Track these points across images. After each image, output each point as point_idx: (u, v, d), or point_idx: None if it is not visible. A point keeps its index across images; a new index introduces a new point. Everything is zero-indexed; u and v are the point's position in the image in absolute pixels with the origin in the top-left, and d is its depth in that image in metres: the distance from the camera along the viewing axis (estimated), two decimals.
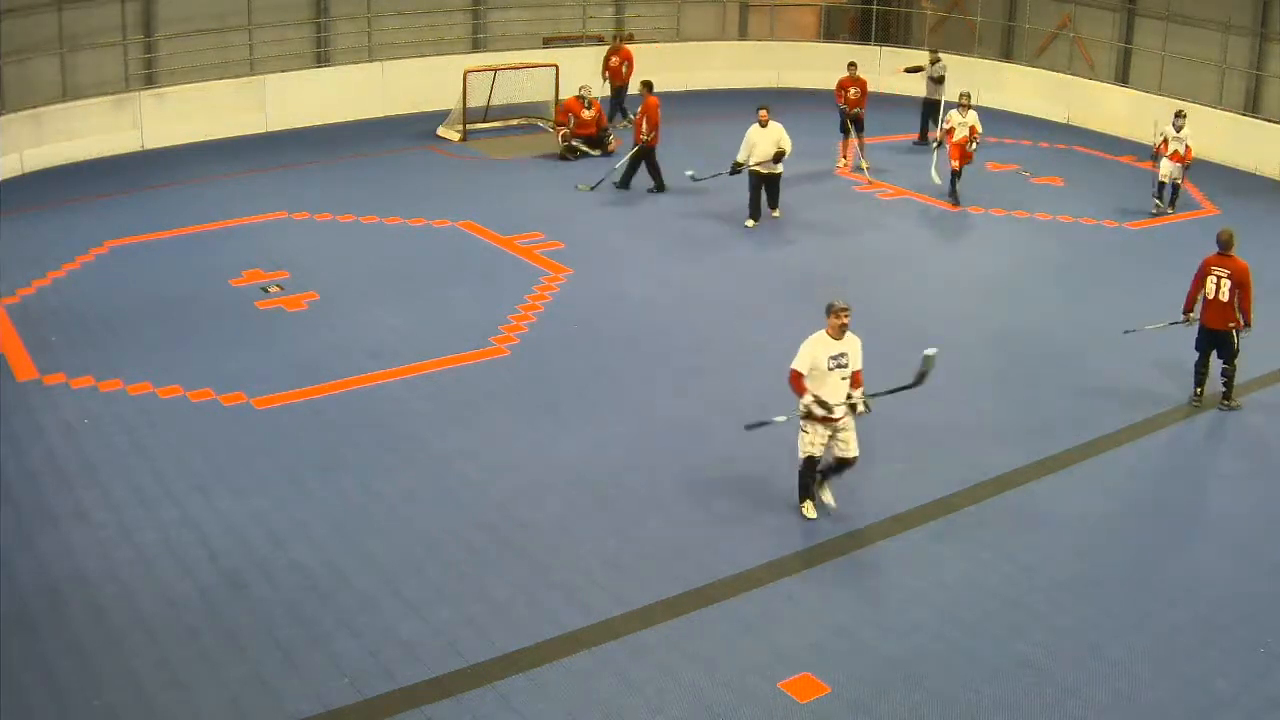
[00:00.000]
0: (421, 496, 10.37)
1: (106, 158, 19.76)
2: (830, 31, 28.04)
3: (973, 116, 18.19)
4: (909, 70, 22.69)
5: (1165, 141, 18.00)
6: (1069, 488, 10.81)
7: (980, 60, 25.19)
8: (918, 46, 26.10)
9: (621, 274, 15.48)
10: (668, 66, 24.90)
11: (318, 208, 17.55)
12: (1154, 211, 18.20)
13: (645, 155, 18.69)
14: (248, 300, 14.34)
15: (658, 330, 13.92)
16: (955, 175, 18.36)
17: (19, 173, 18.75)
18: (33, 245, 15.82)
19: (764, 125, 17.00)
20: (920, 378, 9.78)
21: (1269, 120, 21.23)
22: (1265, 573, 9.67)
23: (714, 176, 17.66)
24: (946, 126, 18.52)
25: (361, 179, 19.21)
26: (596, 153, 20.34)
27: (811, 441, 9.81)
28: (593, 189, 18.46)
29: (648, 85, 19.23)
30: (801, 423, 9.76)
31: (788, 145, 17.00)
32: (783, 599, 9.14)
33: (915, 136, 21.97)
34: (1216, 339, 12.27)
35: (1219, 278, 12.10)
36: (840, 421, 9.77)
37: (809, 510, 10.08)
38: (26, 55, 19.43)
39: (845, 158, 20.31)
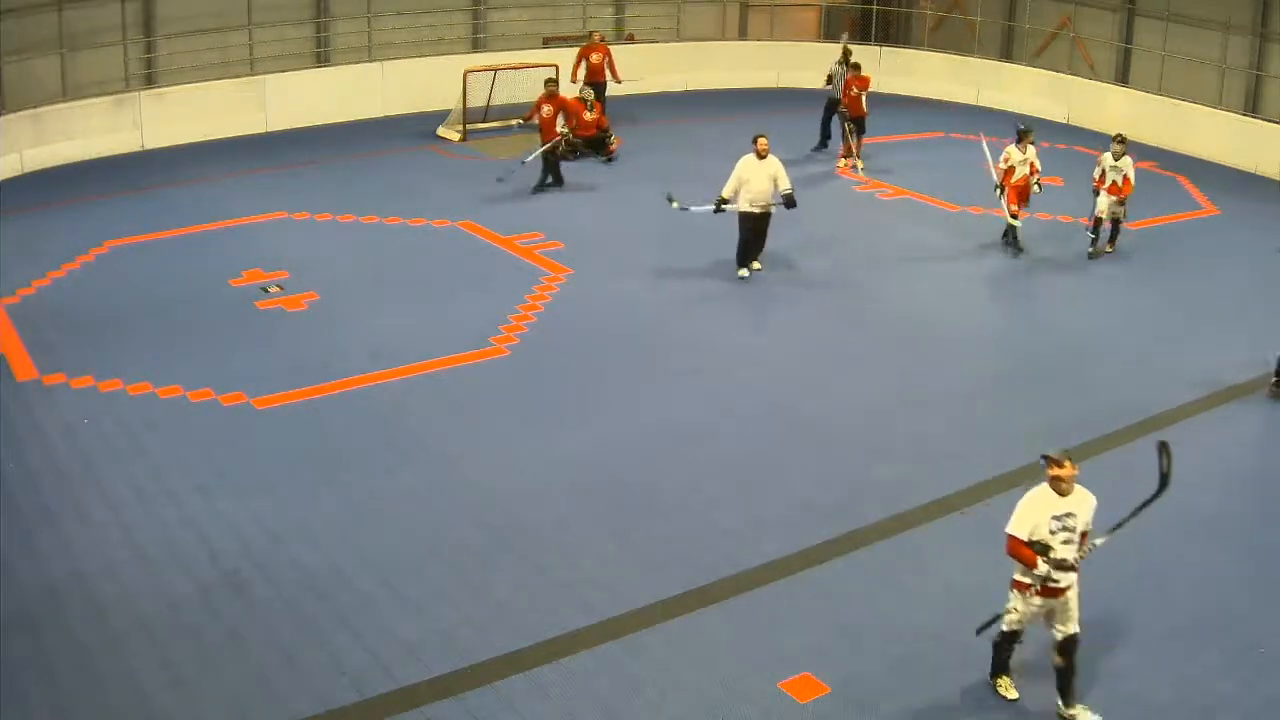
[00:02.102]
0: (421, 496, 10.37)
1: (106, 158, 19.75)
2: (830, 31, 28.01)
3: (1032, 153, 16.18)
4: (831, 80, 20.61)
5: (1103, 173, 16.01)
6: None
7: (980, 60, 25.21)
8: (918, 46, 26.15)
9: (621, 274, 15.46)
10: (668, 66, 24.92)
11: (318, 208, 17.55)
12: (1090, 252, 16.24)
13: (556, 149, 18.55)
14: (248, 300, 14.33)
15: (658, 330, 13.92)
16: (1013, 218, 16.38)
17: (19, 173, 18.74)
18: (33, 245, 15.81)
19: (762, 157, 14.88)
20: (1164, 478, 8.09)
21: (1269, 120, 21.21)
22: (1265, 573, 9.67)
23: (699, 209, 15.49)
24: (1005, 165, 16.23)
25: (361, 179, 19.20)
26: (604, 158, 20.27)
27: (1021, 617, 7.93)
28: (499, 181, 18.32)
29: (555, 82, 19.21)
30: (1014, 594, 7.92)
31: (786, 183, 15.05)
32: (783, 599, 9.14)
33: (842, 151, 20.34)
34: None
35: None
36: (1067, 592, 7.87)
37: (1007, 689, 8.13)
38: (26, 55, 19.43)
39: (845, 157, 20.28)
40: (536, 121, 18.60)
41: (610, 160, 20.24)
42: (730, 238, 15.43)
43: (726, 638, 8.67)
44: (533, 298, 14.55)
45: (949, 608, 9.03)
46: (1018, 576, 7.84)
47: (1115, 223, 16.29)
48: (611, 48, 21.98)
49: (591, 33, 22.60)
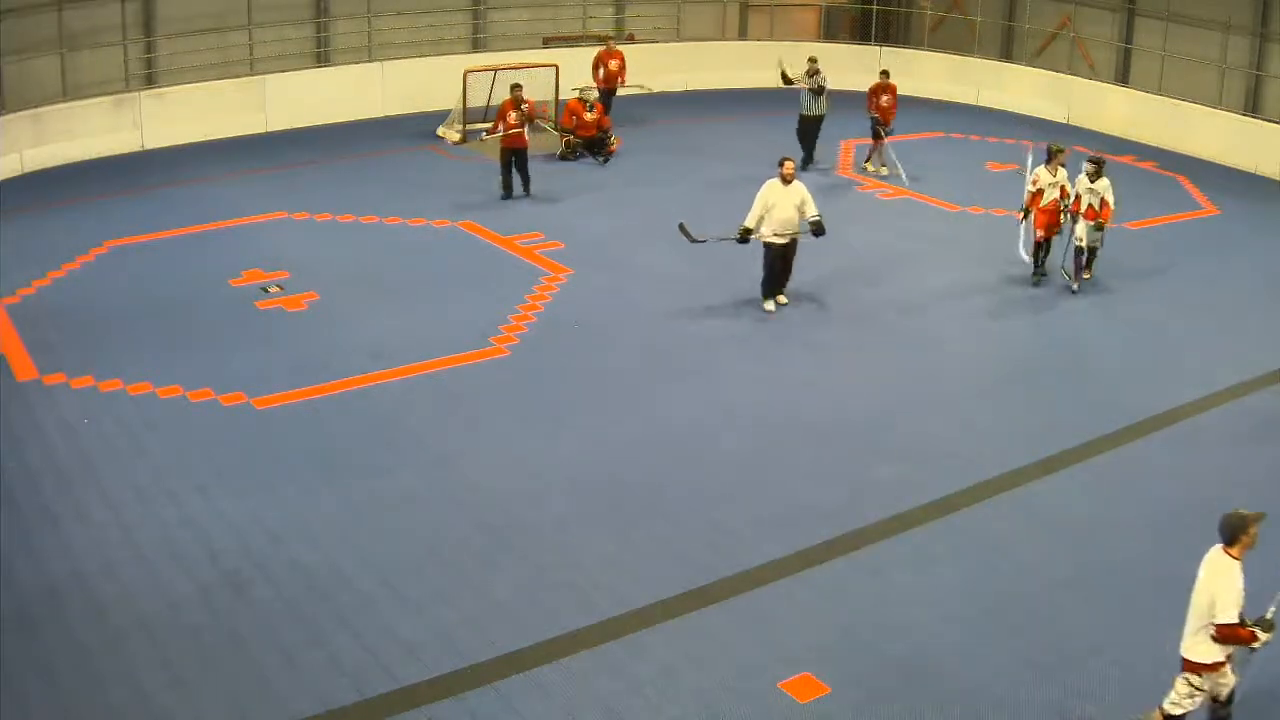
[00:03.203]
0: (421, 496, 10.37)
1: (106, 158, 19.76)
2: (830, 31, 28.05)
3: (1063, 175, 14.95)
4: (785, 79, 20.08)
5: (1077, 198, 14.78)
6: (1069, 488, 10.81)
7: (980, 60, 25.22)
8: (918, 46, 26.15)
9: (621, 274, 15.48)
10: (668, 66, 24.92)
11: (318, 208, 17.55)
12: (1072, 289, 15.03)
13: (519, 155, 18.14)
14: (248, 300, 14.33)
15: (658, 330, 13.91)
16: (1040, 247, 15.19)
17: (19, 173, 18.75)
18: (33, 245, 15.81)
19: (787, 182, 13.91)
20: None
21: (1269, 120, 21.23)
22: (1265, 574, 9.63)
23: (719, 239, 14.61)
24: (1033, 189, 15.05)
25: (361, 179, 19.22)
26: (600, 159, 20.23)
27: (1196, 697, 7.35)
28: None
29: (520, 86, 18.33)
30: (1197, 678, 7.29)
31: (814, 209, 14.07)
32: (783, 599, 9.14)
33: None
34: None
35: None
36: None
37: None
38: (26, 55, 19.44)
39: (869, 160, 20.17)
40: (502, 130, 17.85)
41: (605, 161, 20.22)
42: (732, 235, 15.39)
43: (726, 638, 8.66)
44: (533, 298, 14.55)
45: (949, 608, 9.04)
46: (1208, 659, 7.20)
47: (1091, 250, 15.11)
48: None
49: (607, 39, 22.61)
